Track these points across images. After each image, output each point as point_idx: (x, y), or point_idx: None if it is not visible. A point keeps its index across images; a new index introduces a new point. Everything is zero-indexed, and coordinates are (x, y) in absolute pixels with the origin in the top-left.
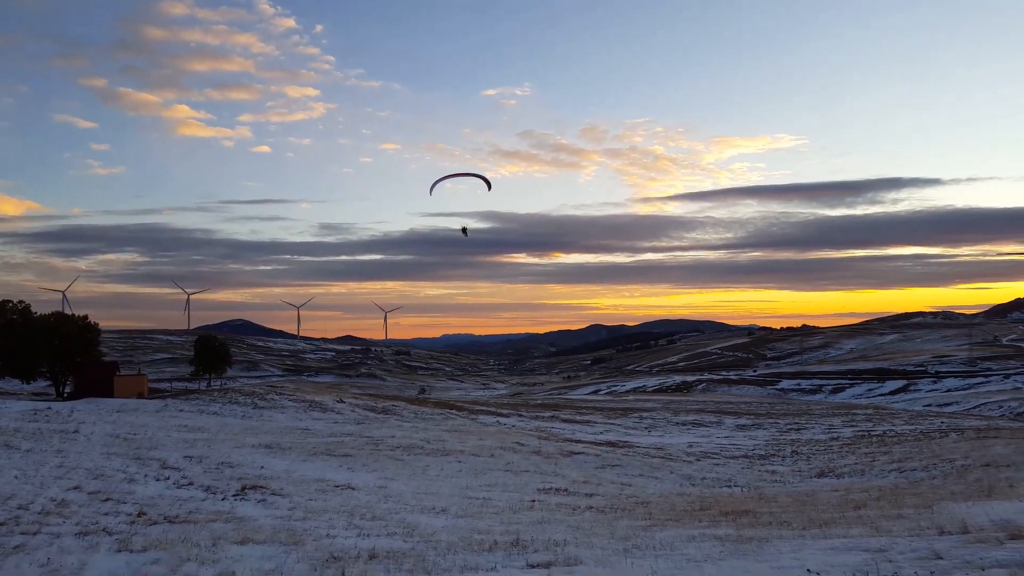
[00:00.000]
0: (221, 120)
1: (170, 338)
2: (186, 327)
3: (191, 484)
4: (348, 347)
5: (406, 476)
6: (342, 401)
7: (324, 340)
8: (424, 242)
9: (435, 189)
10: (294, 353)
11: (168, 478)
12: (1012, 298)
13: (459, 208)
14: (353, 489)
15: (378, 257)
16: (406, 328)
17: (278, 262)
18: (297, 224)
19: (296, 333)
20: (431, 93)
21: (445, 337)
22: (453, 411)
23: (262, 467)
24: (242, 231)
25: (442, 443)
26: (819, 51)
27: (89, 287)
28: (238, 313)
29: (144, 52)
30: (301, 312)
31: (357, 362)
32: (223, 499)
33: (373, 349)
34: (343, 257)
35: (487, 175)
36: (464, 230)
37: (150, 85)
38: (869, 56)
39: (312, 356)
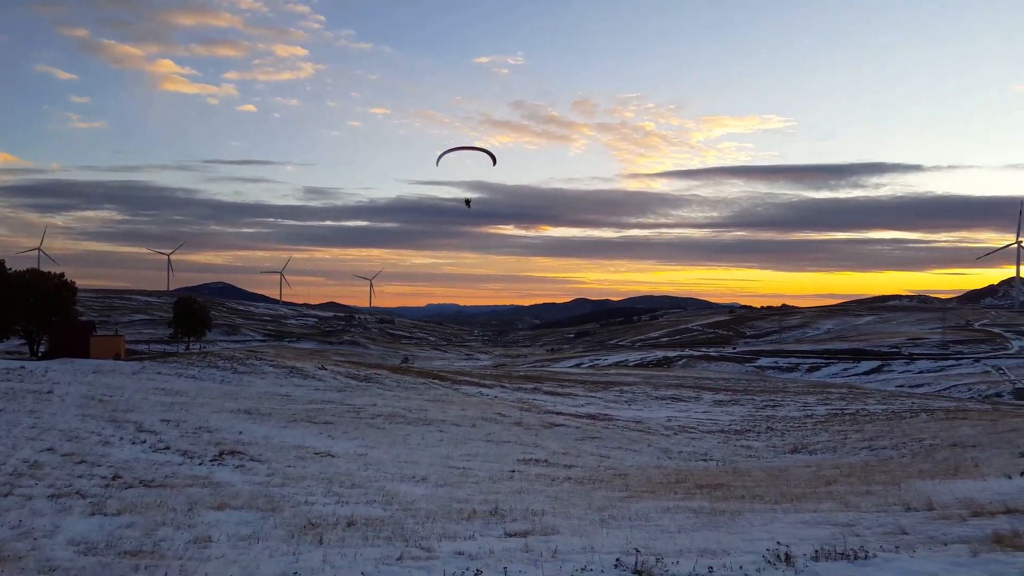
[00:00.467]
0: (206, 77)
1: (149, 299)
2: (165, 288)
3: (168, 448)
4: (331, 314)
5: (387, 444)
6: (324, 368)
7: (307, 306)
8: (411, 210)
9: (440, 161)
10: (276, 318)
11: (144, 441)
12: (985, 284)
13: (447, 177)
14: (333, 456)
15: (364, 223)
16: (390, 296)
17: (262, 225)
18: (281, 187)
19: (279, 298)
20: (423, 58)
21: (430, 306)
22: (436, 381)
23: (240, 432)
24: (225, 192)
25: (424, 412)
26: (810, 35)
27: (66, 244)
28: (219, 276)
29: (128, 3)
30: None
31: (340, 329)
32: (200, 464)
33: (357, 316)
34: (328, 222)
35: (481, 145)
36: (468, 201)
37: (134, 38)
38: (859, 42)
39: (294, 322)
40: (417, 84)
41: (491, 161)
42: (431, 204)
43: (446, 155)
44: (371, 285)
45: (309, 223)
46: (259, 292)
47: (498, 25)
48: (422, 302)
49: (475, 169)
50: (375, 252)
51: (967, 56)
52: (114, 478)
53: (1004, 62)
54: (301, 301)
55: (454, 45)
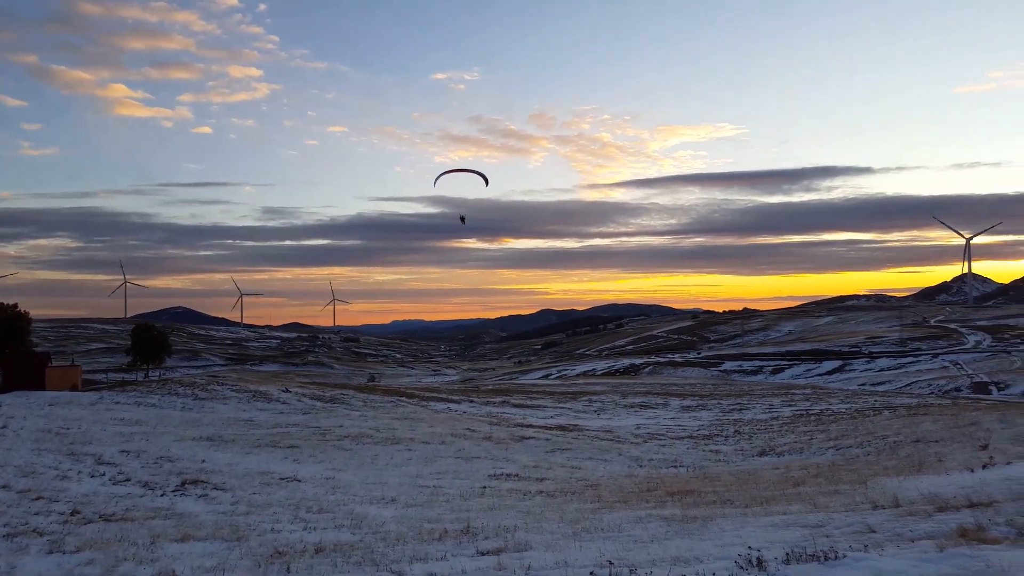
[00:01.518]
0: (160, 100)
1: (105, 327)
2: (123, 315)
3: (128, 480)
4: (294, 334)
5: (354, 466)
6: (288, 390)
7: (269, 327)
8: (372, 227)
9: (437, 181)
10: (237, 341)
11: (104, 474)
12: (939, 281)
13: (407, 193)
14: (299, 481)
15: (325, 242)
16: (355, 314)
17: (220, 247)
18: (239, 208)
19: (239, 320)
20: (379, 76)
21: (395, 323)
22: (403, 398)
23: (203, 460)
24: (182, 215)
25: (392, 431)
26: (760, 45)
27: (19, 274)
28: (178, 300)
29: (79, 28)
30: (244, 299)
31: (304, 350)
32: (162, 495)
33: (321, 336)
34: (288, 242)
35: (469, 166)
36: (463, 219)
37: (85, 62)
38: (807, 51)
39: (256, 344)
40: (374, 101)
41: (484, 182)
42: (392, 220)
43: (443, 176)
44: (334, 304)
45: (269, 243)
46: (219, 315)
47: (454, 41)
48: (387, 319)
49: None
50: (337, 270)
51: (912, 61)
52: (73, 513)
53: (947, 66)
54: (263, 323)
55: (410, 62)
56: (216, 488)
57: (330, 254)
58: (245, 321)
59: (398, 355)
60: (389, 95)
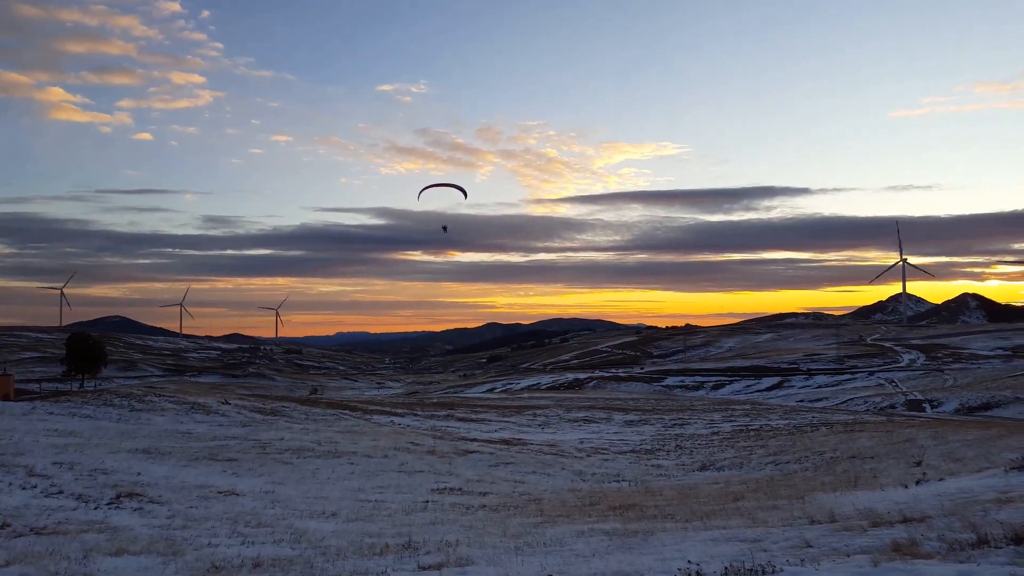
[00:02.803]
0: (99, 105)
1: (40, 336)
2: (58, 324)
3: (61, 492)
4: (235, 346)
5: (295, 480)
6: (227, 402)
7: (209, 338)
8: (316, 237)
9: (422, 195)
10: (176, 352)
11: (35, 486)
12: (875, 300)
13: (352, 204)
14: (238, 495)
15: (267, 252)
16: (298, 326)
17: (160, 255)
18: (180, 216)
19: (179, 331)
20: (325, 85)
21: (339, 335)
22: (346, 411)
23: (139, 473)
24: (120, 222)
25: (334, 445)
26: (702, 66)
27: None
28: (115, 309)
29: (15, 30)
30: (185, 308)
31: (245, 361)
32: (96, 508)
33: (262, 348)
34: (230, 251)
35: (447, 181)
36: (445, 228)
37: (21, 65)
38: (747, 73)
39: (196, 355)
40: (320, 111)
41: (463, 196)
42: (337, 231)
43: (426, 190)
44: (277, 315)
45: (210, 252)
46: (158, 325)
47: (401, 53)
48: (331, 331)
49: (380, 195)
50: (280, 281)
51: (849, 85)
52: (2, 527)
53: (883, 90)
54: (203, 333)
55: (357, 73)
56: (152, 501)
57: (273, 264)
58: (185, 331)
59: (342, 367)
60: (335, 105)
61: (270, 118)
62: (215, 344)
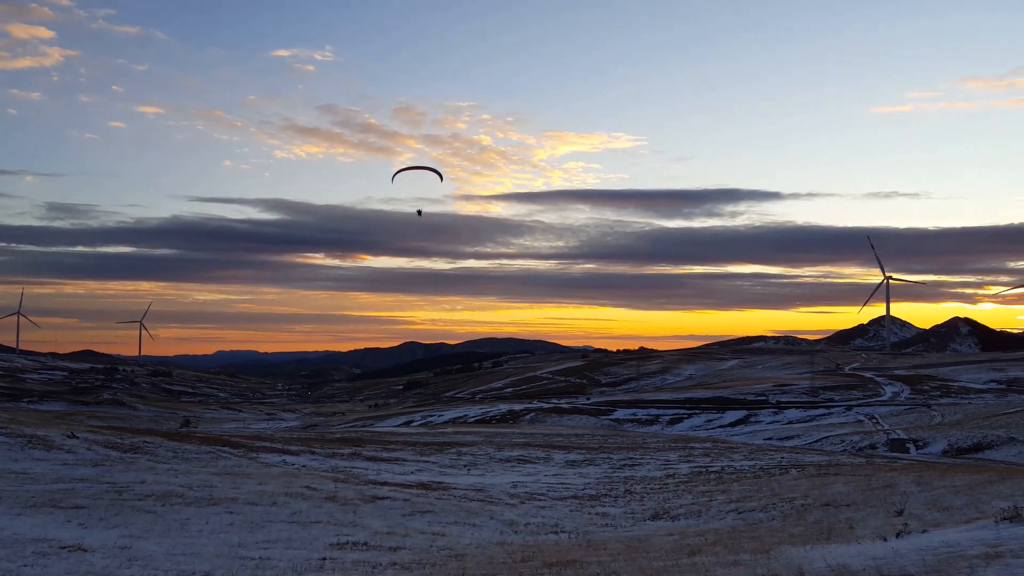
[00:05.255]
0: None
1: None
2: None
3: None
4: (87, 365)
5: (159, 533)
6: (75, 436)
7: (54, 355)
8: (192, 233)
9: (395, 179)
10: (11, 372)
11: None
12: (854, 324)
13: (238, 193)
14: (86, 551)
15: (129, 250)
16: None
17: None
18: (18, 203)
19: (15, 346)
20: (206, 47)
21: (220, 354)
22: (226, 448)
23: None
24: None
25: (209, 489)
26: (661, 47)
27: None
28: None
29: None
30: (24, 317)
31: (99, 385)
32: None
33: (121, 368)
34: (80, 248)
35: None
36: (419, 212)
37: None
38: (711, 57)
39: (36, 376)
40: (199, 79)
41: (438, 178)
42: (218, 226)
43: (400, 173)
44: (141, 328)
45: (55, 249)
46: None
47: (302, 12)
48: (210, 349)
49: (274, 184)
50: (145, 286)
51: (825, 76)
52: None
53: (864, 83)
54: (46, 349)
55: (246, 33)
56: None
57: (136, 265)
58: (23, 347)
59: (222, 394)
60: (218, 73)
61: (135, 85)
62: (61, 363)
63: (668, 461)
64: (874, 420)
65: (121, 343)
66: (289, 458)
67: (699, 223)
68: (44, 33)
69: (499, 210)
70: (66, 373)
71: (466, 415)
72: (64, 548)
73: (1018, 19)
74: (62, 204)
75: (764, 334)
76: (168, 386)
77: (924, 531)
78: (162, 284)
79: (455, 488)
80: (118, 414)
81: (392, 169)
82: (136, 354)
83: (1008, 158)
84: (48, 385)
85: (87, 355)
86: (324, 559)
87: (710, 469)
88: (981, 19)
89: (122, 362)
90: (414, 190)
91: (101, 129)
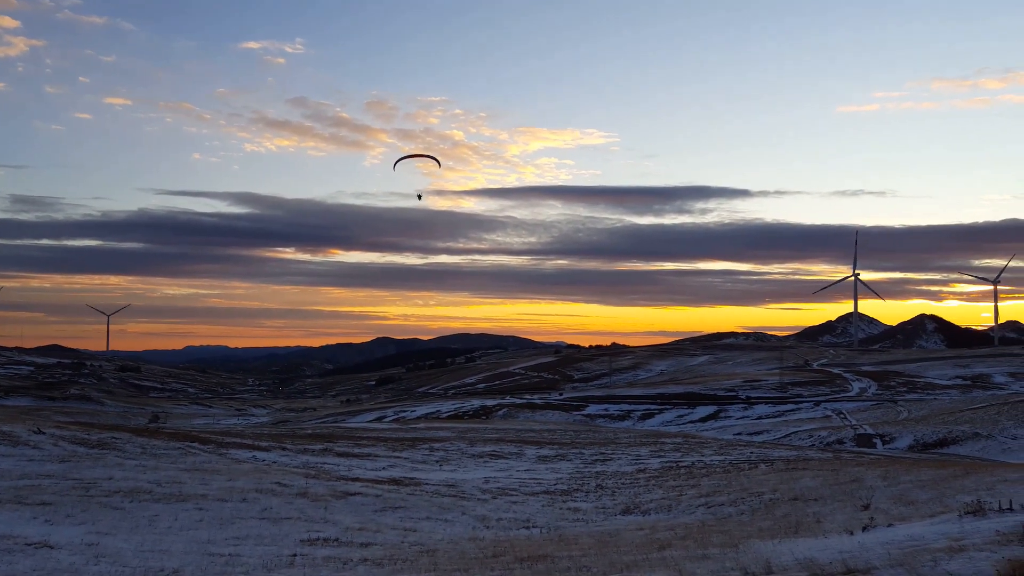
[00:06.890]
0: None
1: None
2: None
3: None
4: (53, 360)
5: (127, 529)
6: (41, 431)
7: (19, 350)
8: (160, 227)
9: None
10: None
11: None
12: (823, 320)
13: (207, 187)
14: (52, 548)
15: (96, 243)
16: (136, 337)
17: None
18: None
19: None
20: (175, 38)
21: (189, 349)
22: (196, 444)
23: None
24: None
25: (179, 486)
26: (633, 44)
27: None
28: None
29: None
30: None
31: (65, 380)
32: None
33: (89, 364)
34: (46, 241)
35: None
36: (419, 196)
37: None
38: (684, 55)
39: (1, 371)
40: (168, 70)
41: (437, 164)
42: (187, 220)
43: (401, 161)
44: (108, 322)
45: (19, 242)
46: None
47: (273, 3)
48: (179, 344)
49: (243, 178)
50: (113, 280)
51: (793, 74)
52: None
53: (830, 82)
54: (12, 344)
55: (216, 24)
56: None
57: (103, 259)
58: None
59: (192, 390)
60: (187, 64)
61: (103, 76)
62: (26, 358)
63: (639, 456)
64: (842, 415)
65: (88, 338)
66: (260, 454)
67: (670, 220)
68: (9, 23)
69: (471, 205)
70: (32, 368)
71: (439, 411)
72: (30, 545)
73: (982, 22)
74: (27, 196)
75: (734, 330)
76: (136, 382)
77: (890, 525)
78: (130, 278)
79: (427, 484)
80: (85, 410)
81: (362, 164)
82: (104, 349)
83: (973, 157)
84: (13, 380)
85: (54, 350)
86: (295, 555)
87: (680, 464)
88: (946, 21)
89: (90, 357)
90: (389, 185)
91: (67, 121)
